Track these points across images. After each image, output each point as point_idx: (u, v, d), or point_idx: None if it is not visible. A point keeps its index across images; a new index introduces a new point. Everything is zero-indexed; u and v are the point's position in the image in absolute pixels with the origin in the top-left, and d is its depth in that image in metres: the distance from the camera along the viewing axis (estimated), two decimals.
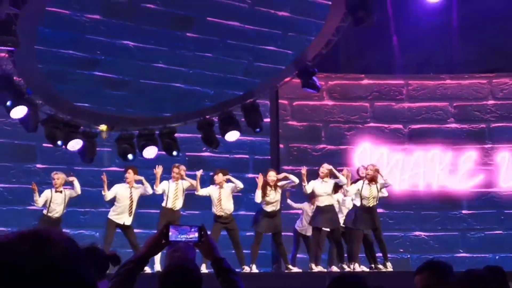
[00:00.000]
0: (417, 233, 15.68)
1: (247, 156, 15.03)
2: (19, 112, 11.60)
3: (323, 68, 14.67)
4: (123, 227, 12.58)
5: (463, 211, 15.88)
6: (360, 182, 12.81)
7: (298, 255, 13.42)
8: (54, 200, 12.35)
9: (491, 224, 15.70)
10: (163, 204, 12.80)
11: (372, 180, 12.69)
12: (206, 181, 14.90)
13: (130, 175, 12.65)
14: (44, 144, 13.26)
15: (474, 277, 4.21)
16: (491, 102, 16.23)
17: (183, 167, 13.02)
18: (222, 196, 12.70)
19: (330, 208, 12.66)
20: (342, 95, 16.10)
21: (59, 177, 12.47)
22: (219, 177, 12.74)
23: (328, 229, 12.69)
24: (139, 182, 12.74)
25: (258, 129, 13.55)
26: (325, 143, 15.90)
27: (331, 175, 12.86)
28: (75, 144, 12.42)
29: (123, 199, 12.60)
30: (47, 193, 12.34)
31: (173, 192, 12.77)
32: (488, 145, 16.05)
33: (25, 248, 1.47)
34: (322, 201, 12.68)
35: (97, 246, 5.15)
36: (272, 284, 11.96)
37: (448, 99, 16.23)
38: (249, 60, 13.23)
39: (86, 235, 13.82)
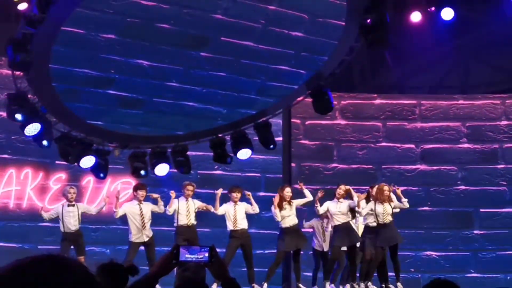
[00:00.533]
0: (428, 252, 15.63)
1: (259, 175, 15.07)
2: (33, 129, 11.70)
3: (336, 88, 14.72)
4: (144, 244, 12.67)
5: (475, 231, 15.83)
6: (372, 202, 12.84)
7: (305, 273, 13.40)
8: (66, 214, 12.40)
9: (503, 244, 15.64)
10: (176, 224, 12.84)
11: (384, 200, 12.73)
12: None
13: (143, 192, 12.73)
14: (57, 161, 13.35)
15: None
16: (504, 122, 16.22)
17: (193, 185, 13.10)
18: (237, 212, 12.77)
19: (347, 225, 12.75)
20: (355, 114, 16.13)
21: (75, 191, 12.61)
22: (236, 195, 12.83)
23: (345, 248, 12.76)
24: (153, 200, 12.83)
25: (272, 146, 13.60)
26: (337, 162, 15.92)
27: (347, 195, 12.94)
28: (87, 162, 12.50)
29: (133, 216, 12.66)
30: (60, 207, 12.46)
31: (185, 209, 12.82)
32: (501, 165, 16.02)
33: (42, 272, 1.50)
34: (337, 220, 12.74)
35: (114, 261, 5.20)
36: None
37: (461, 119, 16.22)
38: (262, 79, 13.28)
39: (97, 252, 13.88)
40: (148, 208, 12.77)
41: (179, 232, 12.76)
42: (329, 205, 12.86)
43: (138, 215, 12.69)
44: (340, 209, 12.77)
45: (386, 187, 12.90)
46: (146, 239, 12.68)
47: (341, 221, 12.72)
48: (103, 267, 5.06)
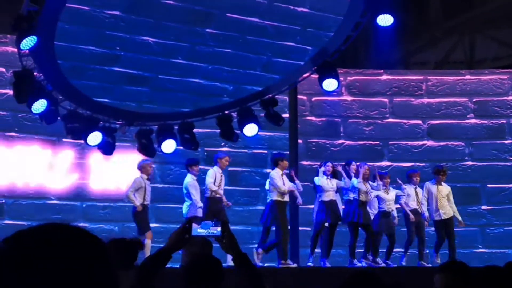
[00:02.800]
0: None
1: (265, 151, 15.05)
2: (39, 106, 11.69)
3: (342, 64, 14.67)
4: None
5: (482, 207, 15.83)
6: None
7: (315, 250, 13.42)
8: (147, 188, 12.69)
9: (510, 220, 15.64)
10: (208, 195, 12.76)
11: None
12: (224, 177, 14.95)
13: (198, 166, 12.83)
14: (64, 139, 13.36)
15: (494, 273, 4.21)
16: (511, 97, 16.15)
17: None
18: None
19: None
20: (361, 90, 16.08)
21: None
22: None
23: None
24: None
25: (280, 122, 13.59)
26: (343, 139, 15.89)
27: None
28: (94, 139, 12.50)
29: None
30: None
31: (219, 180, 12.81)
32: (508, 140, 15.98)
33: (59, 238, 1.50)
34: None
35: (118, 238, 5.21)
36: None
37: (467, 95, 16.16)
38: (268, 55, 13.24)
39: (105, 229, 13.92)
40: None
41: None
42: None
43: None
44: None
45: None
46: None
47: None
48: (111, 244, 5.07)
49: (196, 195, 12.60)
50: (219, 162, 12.97)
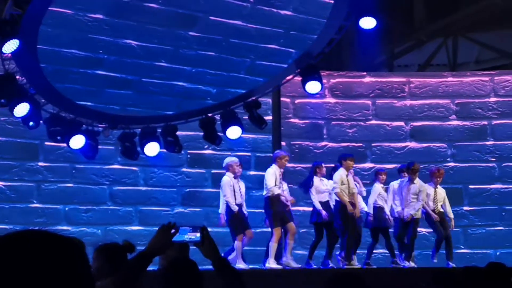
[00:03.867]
0: (418, 229, 15.68)
1: (249, 154, 15.08)
2: (21, 110, 11.66)
3: (325, 66, 14.73)
4: None
5: (464, 208, 15.92)
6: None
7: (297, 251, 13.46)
8: (236, 187, 12.64)
9: (492, 220, 15.75)
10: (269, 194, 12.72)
11: None
12: (208, 179, 14.98)
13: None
14: (47, 143, 13.32)
15: (475, 273, 4.26)
16: (493, 99, 16.26)
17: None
18: None
19: None
20: (344, 93, 16.13)
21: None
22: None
23: None
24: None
25: (264, 125, 13.63)
26: (327, 141, 15.94)
27: None
28: (77, 142, 12.48)
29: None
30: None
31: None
32: (490, 142, 16.09)
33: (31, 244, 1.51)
34: None
35: (108, 243, 5.20)
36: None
37: (450, 97, 16.25)
38: (252, 58, 13.26)
39: (88, 232, 13.88)
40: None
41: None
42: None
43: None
44: None
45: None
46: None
47: None
48: (101, 249, 5.06)
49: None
50: (278, 161, 12.91)
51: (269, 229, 12.78)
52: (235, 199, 12.53)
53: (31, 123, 11.92)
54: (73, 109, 12.41)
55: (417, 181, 13.48)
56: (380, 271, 12.78)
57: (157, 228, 3.55)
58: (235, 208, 12.42)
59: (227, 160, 12.96)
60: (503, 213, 15.80)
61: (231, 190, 12.54)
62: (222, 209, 12.71)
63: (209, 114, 13.45)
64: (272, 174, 12.62)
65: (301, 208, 14.18)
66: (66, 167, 14.00)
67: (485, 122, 16.15)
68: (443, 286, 5.54)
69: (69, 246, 1.56)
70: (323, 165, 13.28)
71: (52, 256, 1.51)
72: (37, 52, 11.16)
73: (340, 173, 12.85)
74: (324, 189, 13.00)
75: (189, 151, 14.60)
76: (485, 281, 4.16)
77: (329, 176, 13.17)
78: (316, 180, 13.03)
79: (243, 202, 12.70)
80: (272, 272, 12.24)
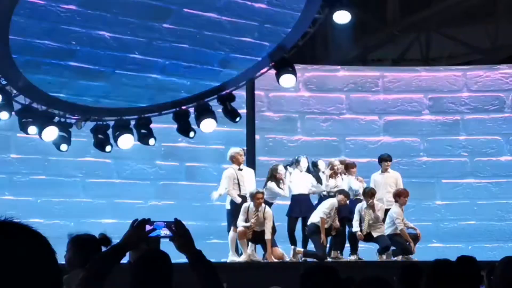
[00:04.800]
0: None
1: (223, 147, 15.05)
2: None
3: (299, 60, 14.73)
4: None
5: (437, 202, 16.03)
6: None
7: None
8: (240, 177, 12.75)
9: (464, 215, 15.87)
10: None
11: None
12: (182, 172, 14.95)
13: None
14: (19, 134, 13.18)
15: (446, 267, 4.27)
16: (465, 94, 16.38)
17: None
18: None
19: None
20: (318, 86, 16.16)
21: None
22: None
23: None
24: None
25: (238, 118, 13.64)
26: (301, 134, 15.96)
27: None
28: (50, 134, 12.36)
29: None
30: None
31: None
32: (463, 136, 16.20)
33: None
34: None
35: (82, 234, 5.15)
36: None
37: (423, 91, 16.35)
38: (226, 51, 13.21)
39: (61, 225, 13.78)
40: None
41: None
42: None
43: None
44: None
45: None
46: None
47: None
48: (75, 240, 5.02)
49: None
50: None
51: None
52: (240, 191, 12.55)
53: (2, 115, 11.79)
54: (45, 100, 12.29)
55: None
56: (351, 264, 12.83)
57: (130, 222, 3.51)
58: (238, 200, 12.50)
59: (230, 151, 13.07)
60: (475, 208, 15.93)
61: (234, 183, 12.56)
62: (227, 202, 12.79)
63: (183, 107, 13.40)
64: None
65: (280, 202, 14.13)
66: (39, 159, 13.89)
67: (458, 117, 16.27)
68: (413, 279, 5.58)
69: (34, 235, 1.54)
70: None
71: (17, 245, 1.48)
72: (9, 43, 11.01)
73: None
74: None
75: (163, 144, 14.54)
76: (455, 274, 4.16)
77: (308, 169, 13.36)
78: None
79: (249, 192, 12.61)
80: (245, 265, 12.23)
